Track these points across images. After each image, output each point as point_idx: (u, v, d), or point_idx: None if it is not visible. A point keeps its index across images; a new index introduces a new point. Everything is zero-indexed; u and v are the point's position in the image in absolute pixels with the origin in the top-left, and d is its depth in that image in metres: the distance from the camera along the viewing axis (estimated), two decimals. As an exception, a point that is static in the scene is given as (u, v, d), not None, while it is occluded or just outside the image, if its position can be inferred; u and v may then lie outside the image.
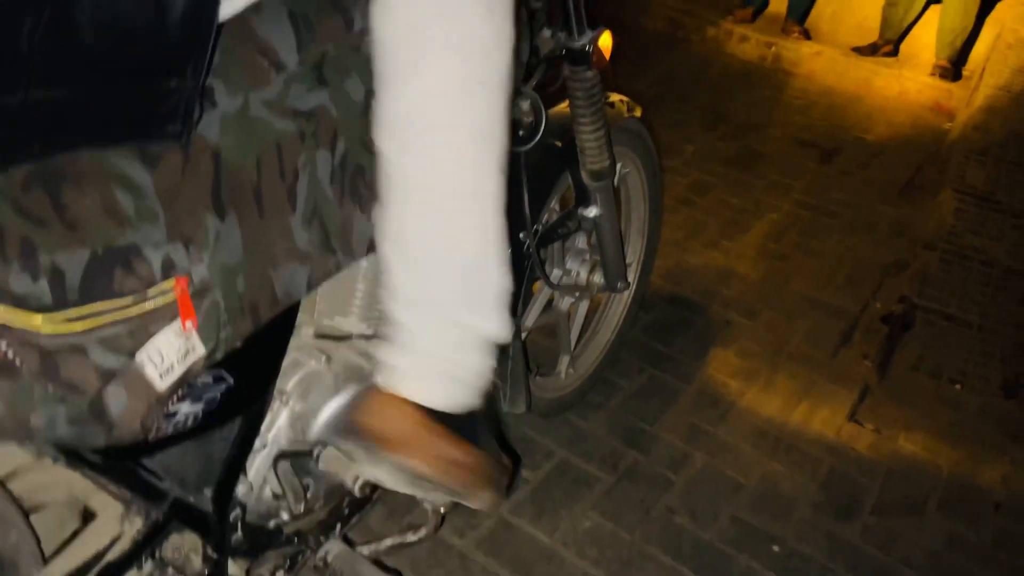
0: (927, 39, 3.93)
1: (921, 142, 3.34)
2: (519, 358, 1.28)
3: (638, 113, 1.53)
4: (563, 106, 1.34)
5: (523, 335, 1.40)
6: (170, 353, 0.66)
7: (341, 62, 0.80)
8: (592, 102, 1.22)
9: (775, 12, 4.19)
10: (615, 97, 1.47)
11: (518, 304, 1.31)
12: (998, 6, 4.06)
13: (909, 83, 3.78)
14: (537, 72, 1.17)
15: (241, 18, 0.75)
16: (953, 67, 3.82)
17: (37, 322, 0.58)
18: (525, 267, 1.29)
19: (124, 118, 0.63)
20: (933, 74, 3.79)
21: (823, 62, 3.87)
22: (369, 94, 0.82)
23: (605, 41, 1.18)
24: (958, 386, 2.07)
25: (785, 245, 2.57)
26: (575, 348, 1.71)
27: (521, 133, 1.17)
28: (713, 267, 2.41)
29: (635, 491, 1.63)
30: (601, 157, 1.29)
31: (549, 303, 1.55)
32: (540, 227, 1.29)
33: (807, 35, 4.09)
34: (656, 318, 2.12)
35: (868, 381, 2.04)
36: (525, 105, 1.16)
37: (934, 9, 3.91)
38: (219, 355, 0.71)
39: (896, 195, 2.92)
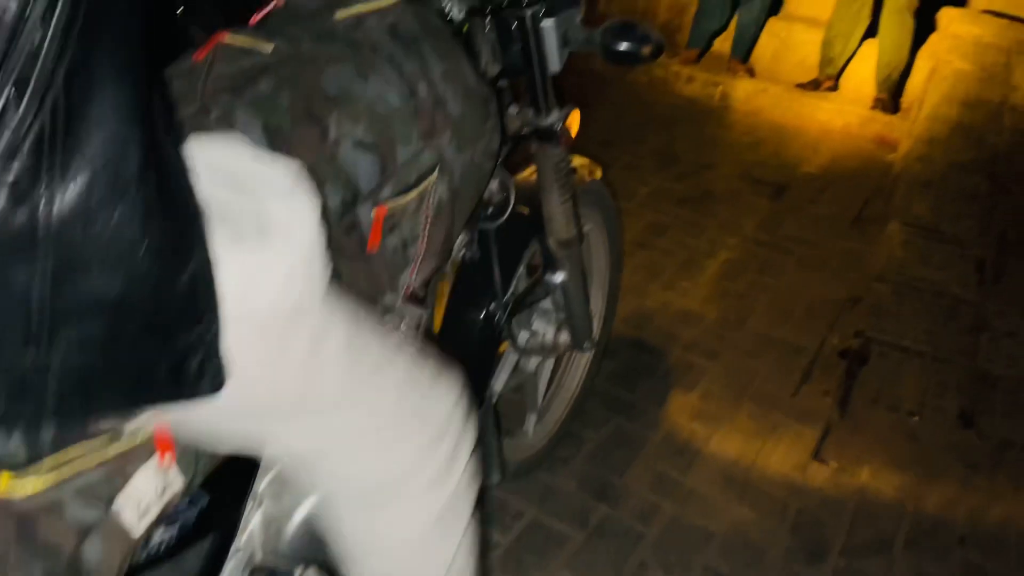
0: (865, 73, 4.07)
1: (867, 174, 3.44)
2: (490, 428, 1.28)
3: (599, 175, 1.56)
4: (529, 172, 1.36)
5: (492, 401, 1.41)
6: (148, 493, 0.64)
7: (316, 173, 0.79)
8: (560, 177, 1.25)
9: (719, 51, 4.30)
10: (577, 161, 1.50)
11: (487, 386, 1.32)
12: (930, 38, 4.23)
13: (852, 116, 3.89)
14: (504, 149, 1.18)
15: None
16: (892, 99, 3.95)
17: (7, 485, 0.57)
18: (497, 341, 1.30)
19: (150, 380, 0.56)
20: (874, 107, 3.91)
21: (768, 99, 3.98)
22: (344, 203, 0.83)
23: (574, 119, 1.20)
24: (916, 418, 2.12)
25: (741, 284, 2.61)
26: (541, 404, 1.71)
27: (490, 211, 1.19)
28: (672, 309, 2.44)
29: (607, 547, 1.63)
30: (568, 227, 1.31)
31: (516, 364, 1.56)
32: (510, 298, 1.30)
33: (751, 73, 4.21)
34: (619, 365, 2.14)
35: (829, 418, 2.07)
36: (494, 184, 1.17)
37: (870, 44, 4.05)
38: (197, 483, 0.70)
39: (846, 228, 2.99)
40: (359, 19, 0.89)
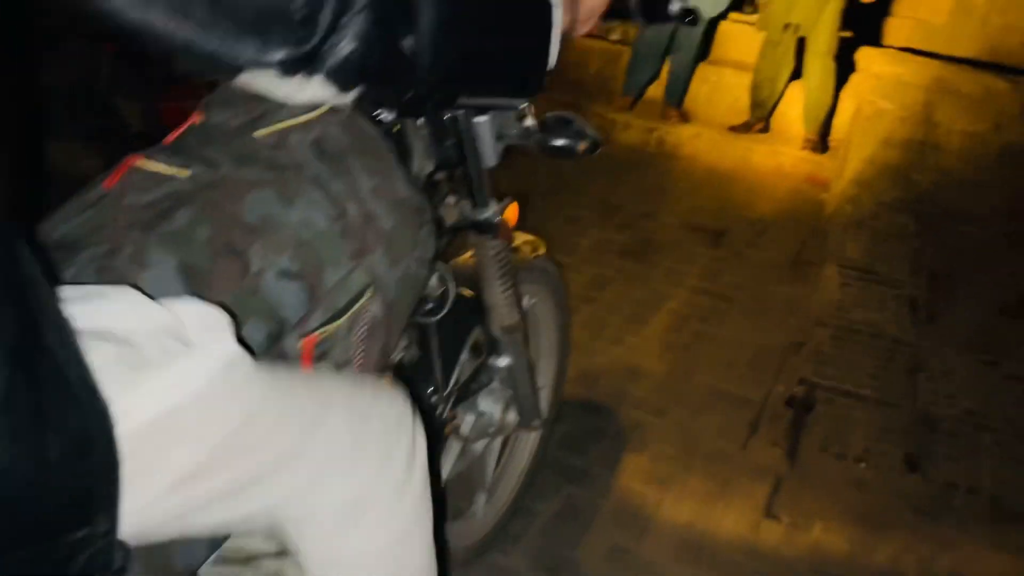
0: (794, 114, 4.19)
1: (801, 216, 3.52)
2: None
3: (542, 251, 1.55)
4: (468, 256, 1.34)
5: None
6: None
7: (239, 310, 0.76)
8: (500, 267, 1.23)
9: (653, 98, 4.38)
10: (519, 239, 1.48)
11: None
12: (852, 78, 4.38)
13: (784, 157, 4.00)
14: (442, 242, 1.17)
15: (123, 280, 0.71)
16: (821, 140, 4.07)
17: None
18: (441, 434, 1.27)
19: None
20: (804, 148, 4.03)
21: (703, 143, 4.06)
22: (270, 336, 0.79)
23: (511, 212, 1.19)
24: (863, 465, 2.14)
25: (686, 335, 2.63)
26: (490, 483, 1.68)
27: (429, 306, 1.17)
28: (620, 366, 2.44)
29: (565, 628, 1.59)
30: (512, 314, 1.29)
31: (463, 449, 1.52)
32: (453, 389, 1.27)
33: (685, 118, 4.30)
34: (569, 429, 2.12)
35: (779, 470, 2.08)
36: (433, 280, 1.15)
37: (796, 85, 4.18)
38: None
39: (785, 273, 3.05)
40: (281, 136, 0.86)
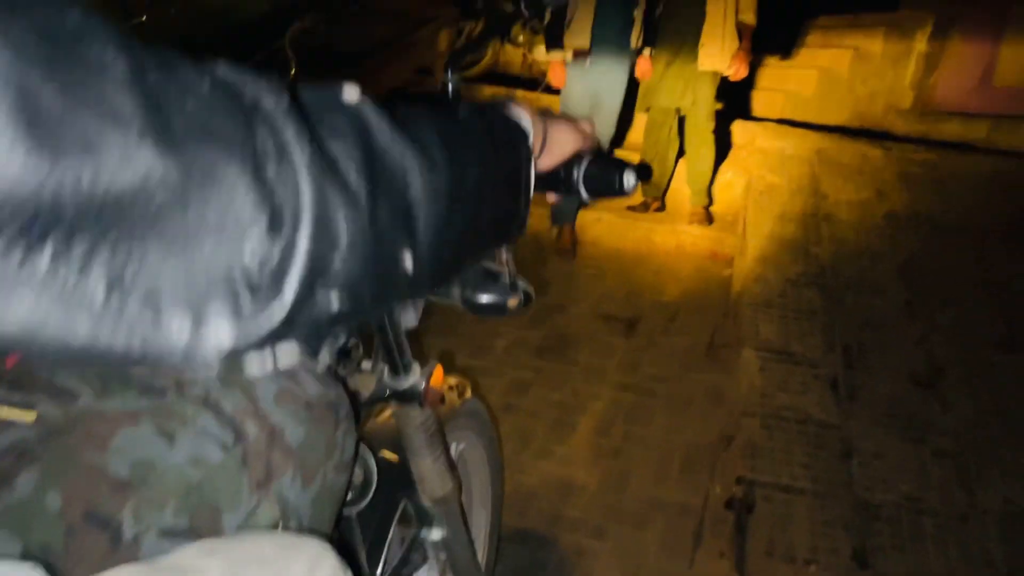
0: (688, 191, 4.22)
1: (710, 295, 3.50)
2: None
3: (469, 394, 1.40)
4: (387, 416, 1.17)
5: None
6: None
7: None
8: (427, 436, 1.06)
9: (550, 183, 4.34)
10: (445, 385, 1.32)
11: None
12: (738, 154, 4.48)
13: (683, 236, 4.01)
14: (361, 417, 1.00)
15: None
16: (706, 211, 4.09)
17: None
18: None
19: None
20: (691, 222, 4.03)
21: (604, 227, 4.03)
22: None
23: (437, 376, 1.03)
24: (813, 567, 2.04)
25: (614, 438, 2.50)
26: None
27: (351, 496, 0.99)
28: (551, 482, 2.28)
29: None
30: (444, 483, 1.12)
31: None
32: None
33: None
34: (509, 567, 1.93)
35: (731, 585, 1.96)
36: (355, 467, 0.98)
37: (684, 162, 4.21)
38: None
39: (702, 359, 2.99)
40: None
